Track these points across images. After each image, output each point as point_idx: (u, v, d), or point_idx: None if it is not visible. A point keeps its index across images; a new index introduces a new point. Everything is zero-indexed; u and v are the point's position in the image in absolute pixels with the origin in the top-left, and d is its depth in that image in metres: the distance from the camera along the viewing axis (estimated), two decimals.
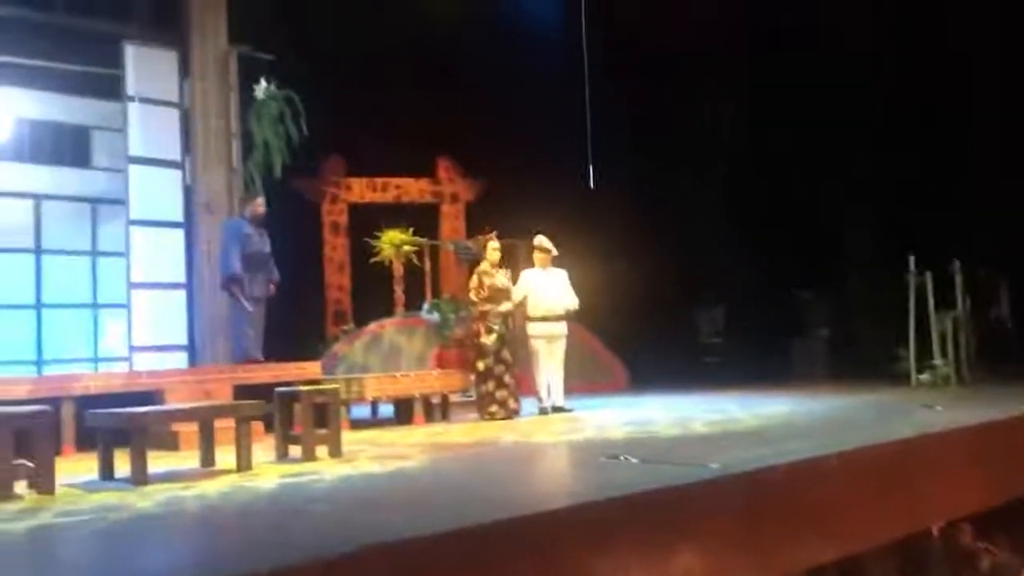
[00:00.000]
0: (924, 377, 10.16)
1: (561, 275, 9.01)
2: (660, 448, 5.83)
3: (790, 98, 12.81)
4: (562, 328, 8.90)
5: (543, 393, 8.78)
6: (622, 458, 5.19)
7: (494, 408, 8.43)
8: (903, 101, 12.41)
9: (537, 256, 8.99)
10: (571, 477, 5.34)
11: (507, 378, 8.53)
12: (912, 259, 10.27)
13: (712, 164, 14.24)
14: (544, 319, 8.81)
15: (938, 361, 10.19)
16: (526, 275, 8.99)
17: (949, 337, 10.23)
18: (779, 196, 13.27)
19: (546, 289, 8.86)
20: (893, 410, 7.87)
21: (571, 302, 8.91)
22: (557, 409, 8.70)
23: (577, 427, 7.40)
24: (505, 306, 8.65)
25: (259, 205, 8.61)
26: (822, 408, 8.12)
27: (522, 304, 8.83)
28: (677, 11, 12.48)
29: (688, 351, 14.09)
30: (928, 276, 10.23)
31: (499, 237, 8.99)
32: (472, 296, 8.75)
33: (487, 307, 8.59)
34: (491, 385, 8.48)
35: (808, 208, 13.14)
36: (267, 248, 8.54)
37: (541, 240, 9.02)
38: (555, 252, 8.96)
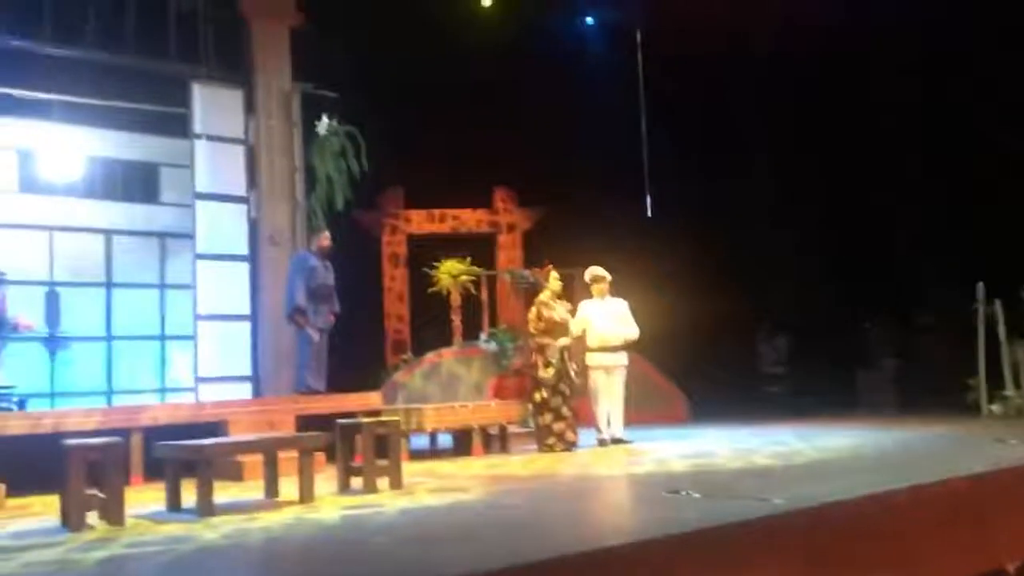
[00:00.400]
0: (995, 408, 9.88)
1: (621, 305, 8.97)
2: (722, 482, 5.75)
3: (854, 124, 12.64)
4: (621, 359, 8.85)
5: (602, 424, 8.73)
6: (683, 493, 5.14)
7: (552, 440, 8.40)
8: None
9: (594, 287, 8.97)
10: (632, 512, 5.30)
11: (565, 410, 8.50)
12: (981, 287, 10.02)
13: (774, 192, 14.08)
14: (602, 349, 8.78)
15: (1010, 392, 9.90)
16: (584, 306, 8.97)
17: (1021, 367, 9.93)
18: (844, 225, 13.07)
19: (604, 319, 8.83)
20: (964, 443, 7.67)
21: (630, 332, 8.86)
22: (616, 441, 8.64)
23: (637, 460, 7.34)
24: (563, 341, 8.64)
25: (325, 238, 8.80)
26: (889, 441, 7.94)
27: (581, 336, 8.81)
28: (736, 40, 12.44)
29: (750, 382, 13.88)
30: (998, 305, 9.97)
31: (556, 267, 9.00)
32: (531, 328, 8.77)
33: (545, 340, 8.59)
34: (548, 417, 8.46)
35: (874, 236, 12.92)
36: (331, 281, 8.71)
37: (594, 271, 8.99)
38: (609, 277, 8.94)
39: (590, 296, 9.01)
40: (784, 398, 13.22)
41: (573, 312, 8.84)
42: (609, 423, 8.72)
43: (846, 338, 13.04)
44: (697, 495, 5.04)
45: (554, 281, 8.82)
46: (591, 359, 8.81)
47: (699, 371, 12.41)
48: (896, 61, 12.71)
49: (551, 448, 8.35)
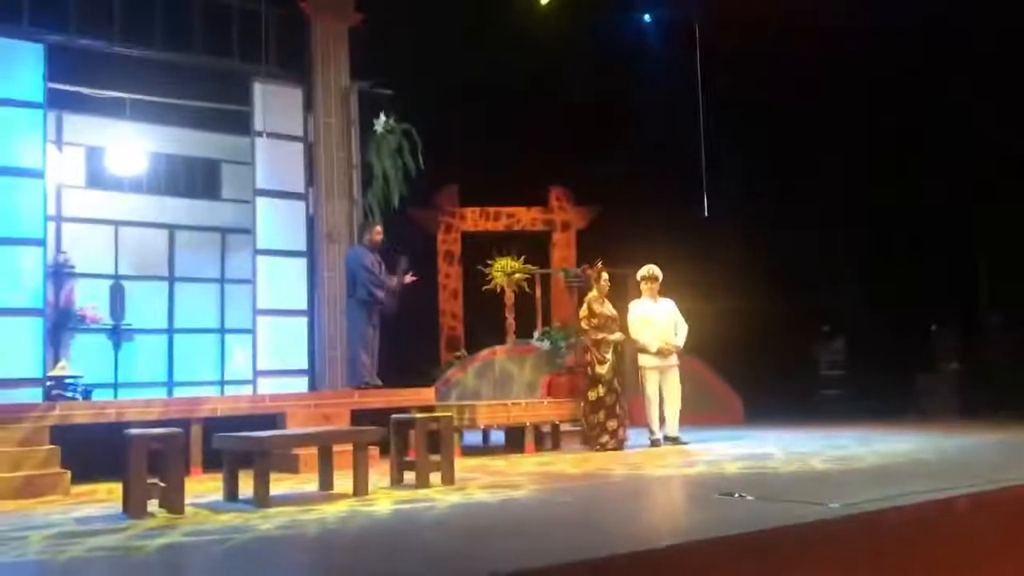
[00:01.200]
0: None
1: (670, 305, 8.93)
2: (777, 485, 5.68)
3: (913, 123, 12.36)
4: (673, 358, 8.80)
5: (654, 425, 8.69)
6: (736, 495, 5.09)
7: (605, 438, 8.38)
8: None
9: (645, 286, 8.93)
10: (683, 513, 5.26)
11: (618, 408, 8.49)
12: None
13: (832, 191, 13.83)
14: (658, 352, 8.73)
15: None
16: (635, 306, 8.93)
17: None
18: (905, 226, 12.78)
19: (657, 319, 8.79)
20: None
21: (681, 331, 8.81)
22: (670, 440, 8.60)
23: (690, 461, 7.28)
24: (617, 336, 8.63)
25: (377, 232, 8.91)
26: (950, 446, 7.76)
27: (634, 336, 8.78)
28: (794, 41, 12.25)
29: (806, 384, 13.65)
30: None
31: (610, 267, 8.98)
32: (583, 325, 8.76)
33: (600, 336, 8.58)
34: (602, 415, 8.44)
35: (937, 238, 12.62)
36: (383, 276, 8.79)
37: (649, 269, 8.95)
38: (661, 276, 8.90)
39: (639, 295, 8.98)
40: (842, 402, 12.99)
41: (618, 309, 8.80)
42: (663, 423, 8.67)
43: (907, 341, 12.76)
44: (750, 498, 4.98)
45: (603, 282, 8.80)
46: (644, 360, 8.77)
47: (755, 373, 12.25)
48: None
49: (604, 447, 8.32)
